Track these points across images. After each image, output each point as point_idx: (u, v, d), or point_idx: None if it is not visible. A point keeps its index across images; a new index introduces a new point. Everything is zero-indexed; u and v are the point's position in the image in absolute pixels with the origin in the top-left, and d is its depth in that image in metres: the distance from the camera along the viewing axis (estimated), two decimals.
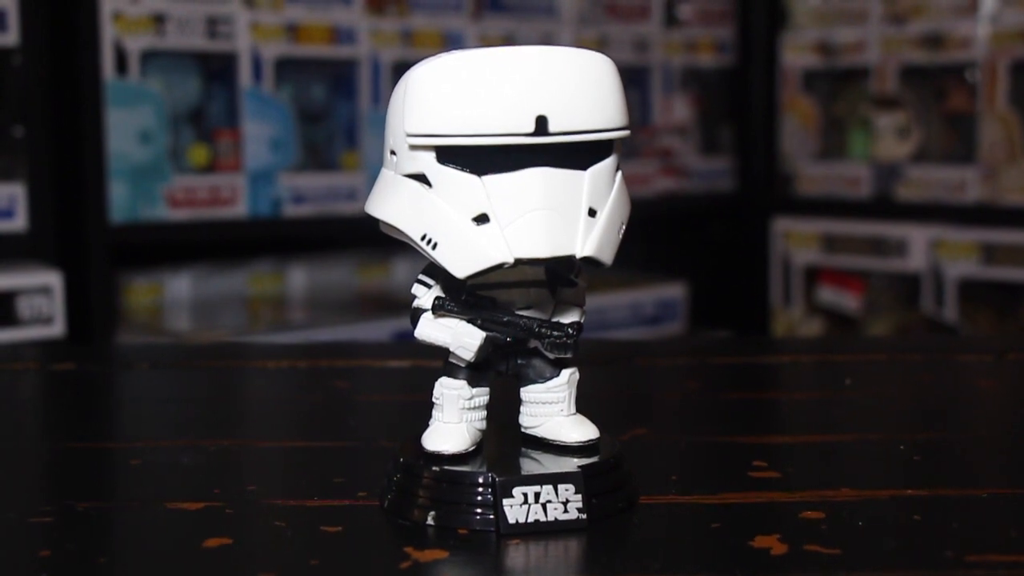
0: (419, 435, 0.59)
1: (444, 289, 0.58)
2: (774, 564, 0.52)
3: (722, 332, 2.12)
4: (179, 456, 0.68)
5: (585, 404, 0.61)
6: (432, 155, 0.55)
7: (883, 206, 2.06)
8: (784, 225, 2.16)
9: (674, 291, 2.06)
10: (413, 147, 0.55)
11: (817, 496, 0.60)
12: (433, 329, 0.58)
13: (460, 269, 0.54)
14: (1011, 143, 1.93)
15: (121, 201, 1.62)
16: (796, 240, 2.15)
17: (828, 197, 2.13)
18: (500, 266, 0.54)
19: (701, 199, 2.19)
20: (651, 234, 2.21)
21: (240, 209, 1.72)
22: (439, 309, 0.57)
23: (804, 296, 2.15)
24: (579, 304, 0.60)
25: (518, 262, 0.54)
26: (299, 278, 1.97)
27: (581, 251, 0.55)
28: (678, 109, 2.16)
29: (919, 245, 2.00)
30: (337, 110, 1.84)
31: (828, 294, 2.14)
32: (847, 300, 2.12)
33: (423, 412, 0.60)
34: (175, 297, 1.87)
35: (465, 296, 0.57)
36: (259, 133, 1.73)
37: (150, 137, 1.65)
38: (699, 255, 2.27)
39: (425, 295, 0.58)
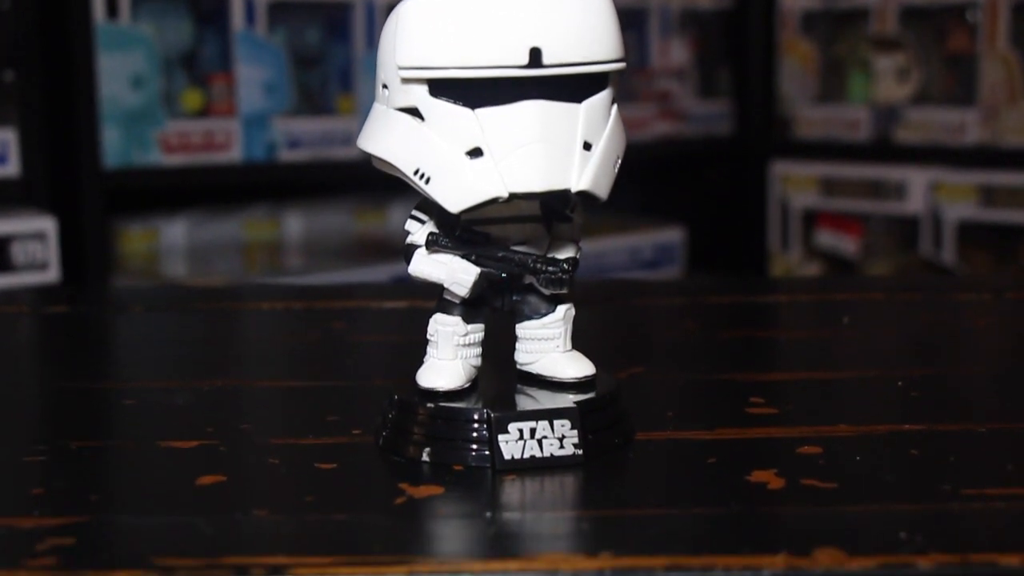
0: (414, 373, 0.59)
1: (438, 225, 0.58)
2: (771, 498, 0.52)
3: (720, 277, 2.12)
4: (173, 396, 0.68)
5: (582, 343, 0.61)
6: (424, 88, 0.54)
7: (882, 149, 2.05)
8: (782, 168, 2.16)
9: (672, 235, 2.05)
10: (405, 80, 0.55)
11: (814, 432, 0.60)
12: (427, 265, 0.57)
13: (453, 204, 0.54)
14: (1012, 84, 1.91)
15: (114, 146, 1.61)
16: (794, 183, 2.15)
17: (827, 140, 2.12)
18: (494, 200, 0.54)
19: (699, 143, 2.18)
20: (649, 178, 2.20)
21: (234, 154, 1.71)
22: (433, 245, 0.57)
23: (802, 240, 2.15)
24: (575, 240, 0.59)
25: (512, 196, 0.54)
26: (295, 224, 1.96)
27: (576, 185, 0.54)
28: (676, 52, 2.14)
29: (918, 188, 1.99)
30: (331, 54, 1.82)
31: (826, 237, 2.13)
32: (845, 244, 2.11)
33: (419, 352, 0.60)
34: (170, 243, 1.86)
35: (459, 232, 0.57)
36: (253, 77, 1.71)
37: (142, 81, 1.64)
38: (697, 199, 2.26)
39: (419, 231, 0.58)
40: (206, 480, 0.55)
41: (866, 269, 2.07)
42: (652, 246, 2.02)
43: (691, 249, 2.09)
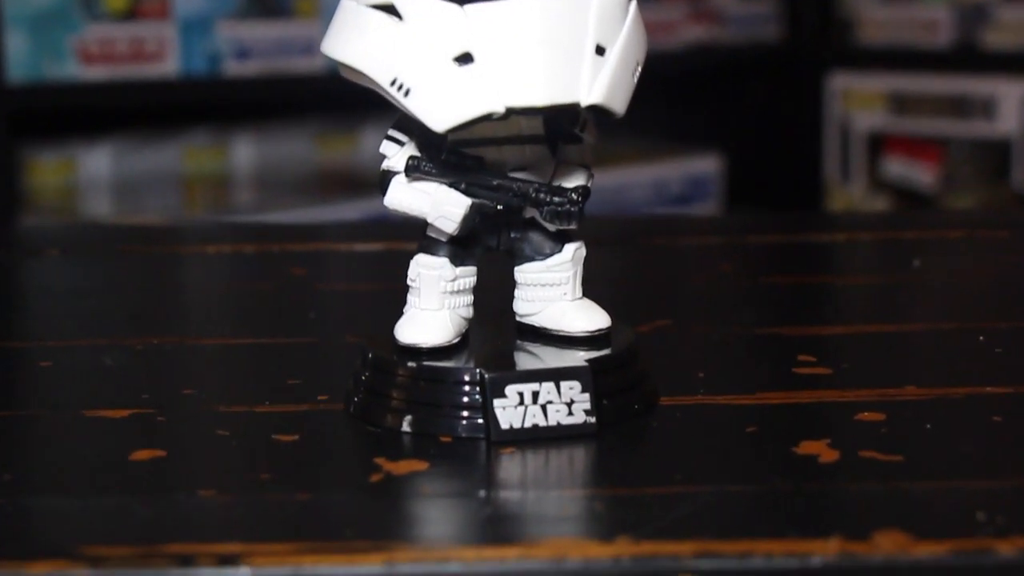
0: (392, 326, 0.60)
1: (420, 147, 0.58)
2: (823, 473, 0.53)
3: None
4: (100, 356, 0.69)
5: (594, 289, 0.61)
6: None
7: (966, 56, 2.05)
8: (842, 82, 2.16)
9: (706, 165, 2.05)
10: None
11: (876, 395, 0.61)
12: (407, 196, 0.58)
13: (439, 121, 0.55)
14: None
15: (20, 56, 1.62)
16: (857, 100, 2.15)
17: (897, 46, 2.12)
18: (487, 117, 0.54)
19: (740, 51, 2.18)
20: (678, 94, 2.21)
21: (169, 66, 1.71)
22: (414, 171, 0.58)
23: (867, 170, 2.16)
24: (585, 164, 0.60)
25: (510, 112, 0.54)
26: (245, 152, 1.96)
27: (587, 97, 0.55)
28: None
29: (1010, 104, 2.00)
30: None
31: (896, 167, 2.14)
32: (920, 174, 2.12)
33: (398, 302, 0.60)
34: (91, 176, 1.87)
35: (446, 155, 0.57)
36: None
37: None
38: (737, 120, 2.27)
39: (396, 154, 0.58)
40: (142, 455, 0.55)
41: (944, 204, 2.08)
42: (682, 178, 2.02)
43: (730, 181, 2.10)
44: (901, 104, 2.12)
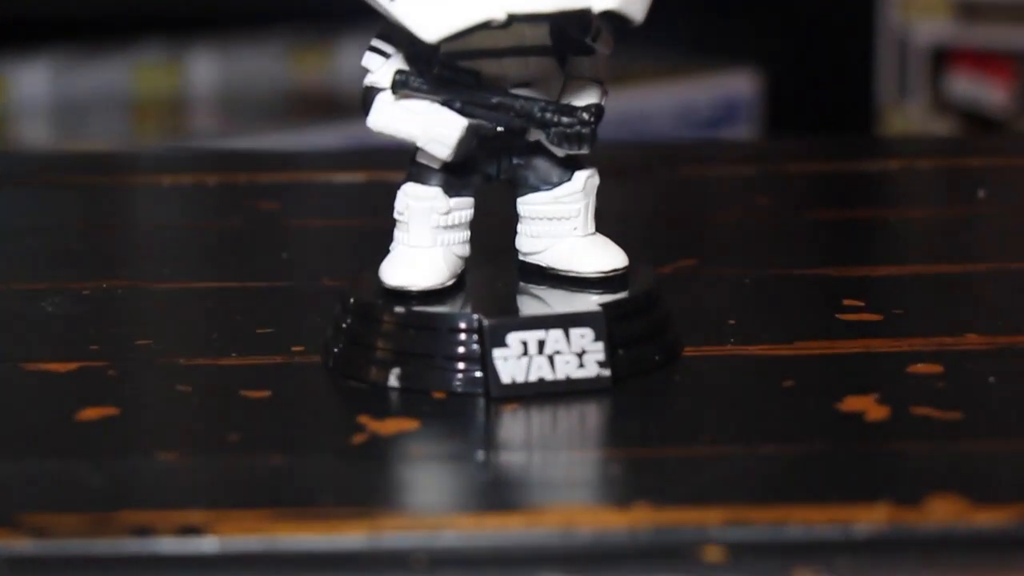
0: (377, 267, 0.60)
1: (408, 59, 0.58)
2: (870, 432, 0.53)
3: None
4: (41, 302, 0.69)
5: (609, 225, 0.62)
6: None
7: None
8: None
9: (741, 83, 2.05)
10: None
11: (933, 344, 0.62)
12: (393, 117, 0.58)
13: (430, 29, 0.55)
14: None
15: None
16: (918, 7, 2.14)
17: None
18: (486, 25, 0.54)
19: None
20: (708, 1, 2.20)
21: None
22: (402, 87, 0.58)
23: (929, 88, 2.15)
24: (598, 80, 0.60)
25: (511, 19, 0.54)
26: (205, 69, 1.96)
27: (600, 2, 0.55)
28: None
29: None
30: None
31: (963, 85, 2.14)
32: (989, 93, 2.11)
33: (383, 239, 0.61)
34: (26, 97, 1.86)
35: (438, 69, 0.58)
36: None
37: None
38: (777, 31, 2.26)
39: (381, 68, 0.59)
40: (91, 414, 0.56)
41: (1016, 128, 2.07)
42: (712, 99, 2.01)
43: (769, 103, 2.09)
44: (970, 12, 2.11)
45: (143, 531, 0.46)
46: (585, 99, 0.59)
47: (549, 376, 0.56)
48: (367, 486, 0.50)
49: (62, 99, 1.87)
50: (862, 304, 0.67)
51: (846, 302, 0.67)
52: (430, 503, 0.50)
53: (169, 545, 0.46)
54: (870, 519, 0.46)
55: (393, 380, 0.58)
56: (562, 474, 0.51)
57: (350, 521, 0.47)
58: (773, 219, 0.84)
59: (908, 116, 2.17)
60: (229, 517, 0.47)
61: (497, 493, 0.50)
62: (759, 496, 0.48)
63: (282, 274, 0.75)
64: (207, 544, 0.46)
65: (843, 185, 0.93)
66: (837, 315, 0.66)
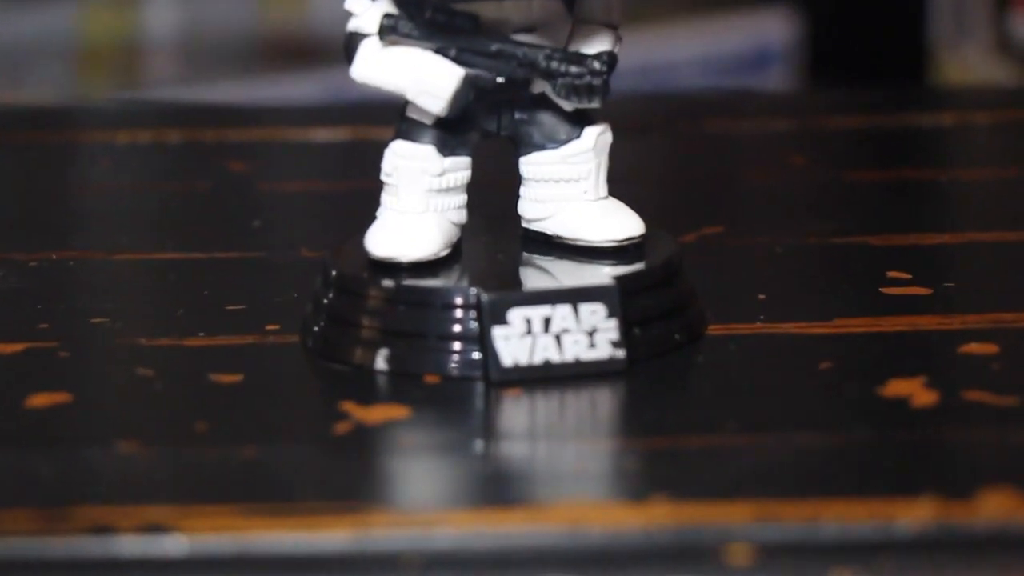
0: (362, 236, 0.60)
1: (398, 1, 0.58)
2: (916, 419, 0.53)
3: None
4: None
5: (624, 188, 0.62)
6: None
7: None
8: None
9: (775, 25, 2.04)
10: None
11: (988, 322, 0.61)
12: (381, 65, 0.58)
13: None
14: None
15: None
16: None
17: None
18: None
19: None
20: None
21: None
22: (391, 33, 0.57)
23: (988, 29, 2.15)
24: (611, 24, 0.60)
25: None
26: (163, 11, 1.95)
27: None
28: None
29: None
30: None
31: None
32: None
33: (369, 205, 0.61)
34: None
35: (431, 12, 0.57)
36: None
37: None
38: None
39: (367, 11, 0.58)
40: (40, 400, 0.56)
41: None
42: (742, 43, 2.00)
43: (806, 46, 2.08)
44: None
45: (102, 529, 0.46)
46: (596, 46, 0.59)
47: (556, 358, 0.56)
48: (351, 480, 0.50)
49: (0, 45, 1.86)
50: (909, 277, 0.67)
51: (891, 274, 0.67)
52: (422, 499, 0.50)
53: (131, 545, 0.45)
54: (914, 516, 0.46)
55: (380, 362, 0.57)
56: (570, 467, 0.51)
57: (333, 519, 0.46)
58: (809, 181, 0.84)
59: (966, 61, 2.16)
60: (197, 514, 0.47)
61: (497, 488, 0.49)
62: (791, 491, 0.48)
63: (255, 244, 0.75)
64: (173, 544, 0.45)
65: (889, 142, 0.93)
66: (881, 289, 0.66)
